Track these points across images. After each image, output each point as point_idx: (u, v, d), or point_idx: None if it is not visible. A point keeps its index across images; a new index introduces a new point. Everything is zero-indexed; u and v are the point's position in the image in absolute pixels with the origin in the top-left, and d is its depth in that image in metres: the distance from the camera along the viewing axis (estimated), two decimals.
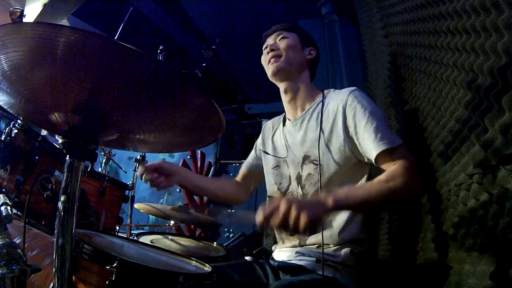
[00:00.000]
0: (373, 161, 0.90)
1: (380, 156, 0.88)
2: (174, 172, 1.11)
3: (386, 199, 0.81)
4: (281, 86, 1.15)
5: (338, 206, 0.74)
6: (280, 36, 1.14)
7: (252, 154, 1.34)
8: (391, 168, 0.85)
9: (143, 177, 1.08)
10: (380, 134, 0.89)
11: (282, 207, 0.65)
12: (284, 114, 1.23)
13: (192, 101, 0.55)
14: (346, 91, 1.03)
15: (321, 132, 1.01)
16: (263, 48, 1.18)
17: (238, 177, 1.36)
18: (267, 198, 1.48)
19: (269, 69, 1.12)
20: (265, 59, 1.15)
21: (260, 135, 1.31)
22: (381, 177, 0.83)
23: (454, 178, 0.71)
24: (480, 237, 0.58)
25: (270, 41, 1.16)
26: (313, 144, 1.02)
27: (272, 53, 1.10)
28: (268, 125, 1.31)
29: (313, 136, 1.03)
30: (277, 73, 1.10)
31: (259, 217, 0.67)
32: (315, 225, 0.68)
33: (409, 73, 1.14)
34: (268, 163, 1.20)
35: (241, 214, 0.84)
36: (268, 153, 1.20)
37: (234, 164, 3.33)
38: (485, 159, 0.57)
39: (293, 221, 0.65)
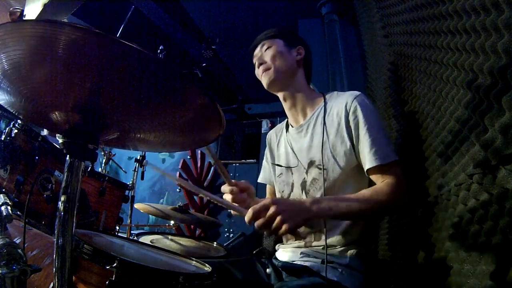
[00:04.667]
0: (365, 172, 0.94)
1: (370, 170, 0.92)
2: (251, 195, 1.05)
3: (367, 213, 0.89)
4: (280, 95, 1.15)
5: (320, 216, 0.85)
6: (265, 47, 1.13)
7: (265, 167, 1.29)
8: (377, 185, 0.91)
9: (231, 196, 0.98)
10: (375, 148, 0.91)
11: (270, 211, 0.76)
12: (286, 120, 1.23)
13: (193, 101, 0.55)
14: (349, 95, 1.02)
15: (325, 137, 1.01)
16: (254, 63, 1.17)
17: (269, 194, 1.31)
18: None
19: (263, 82, 1.13)
20: (257, 72, 1.15)
21: (267, 147, 1.29)
22: (366, 192, 0.89)
23: (454, 178, 0.71)
24: (480, 237, 0.58)
25: (257, 53, 1.15)
26: (319, 149, 1.02)
27: (261, 67, 1.11)
28: (271, 136, 1.29)
29: (319, 142, 1.03)
30: (271, 85, 1.10)
31: (248, 214, 0.77)
32: (294, 231, 0.78)
33: (409, 73, 1.14)
34: (276, 172, 1.20)
35: (235, 207, 0.88)
36: (277, 164, 1.19)
37: (234, 164, 3.33)
38: (485, 159, 0.57)
39: (275, 225, 0.76)
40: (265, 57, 1.11)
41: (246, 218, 0.78)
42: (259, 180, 1.32)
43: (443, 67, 0.81)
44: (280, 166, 1.17)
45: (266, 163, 1.29)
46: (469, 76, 0.66)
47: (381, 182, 0.91)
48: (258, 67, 1.12)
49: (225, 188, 1.00)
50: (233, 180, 1.00)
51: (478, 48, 0.62)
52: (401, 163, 0.93)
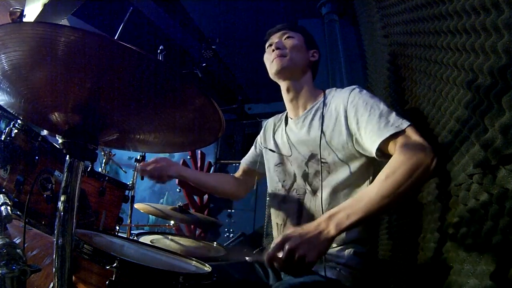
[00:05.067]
0: (376, 152, 0.85)
1: (385, 143, 0.84)
2: (172, 164, 1.17)
3: (393, 198, 0.74)
4: (283, 84, 1.14)
5: (342, 229, 0.72)
6: (286, 36, 1.13)
7: (252, 151, 1.36)
8: (390, 160, 0.80)
9: (141, 173, 1.14)
10: (384, 122, 0.85)
11: (285, 252, 0.67)
12: (285, 112, 1.23)
13: (192, 101, 0.55)
14: (347, 89, 1.03)
15: (323, 131, 1.01)
16: (267, 46, 1.17)
17: (238, 173, 1.39)
18: (267, 194, 1.45)
19: (272, 67, 1.10)
20: (268, 56, 1.13)
21: (261, 132, 1.32)
22: (381, 175, 0.78)
23: (454, 178, 0.71)
24: (480, 237, 0.58)
25: (275, 39, 1.14)
26: (317, 143, 1.02)
27: (278, 51, 1.09)
28: (269, 122, 1.31)
29: (316, 135, 1.03)
30: (281, 71, 1.09)
31: (266, 260, 0.70)
32: (320, 259, 0.71)
33: (409, 73, 1.14)
34: (270, 160, 1.20)
35: (244, 253, 0.86)
36: (272, 150, 1.19)
37: (234, 164, 3.33)
38: (485, 159, 0.57)
39: (296, 264, 0.67)
40: (284, 44, 1.11)
41: (266, 264, 0.71)
42: (242, 161, 1.39)
43: (443, 67, 0.81)
44: (271, 150, 1.19)
45: (253, 149, 1.35)
46: (469, 76, 0.66)
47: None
48: (273, 51, 1.10)
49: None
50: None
51: (478, 48, 0.62)
52: (415, 126, 0.84)
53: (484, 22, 0.59)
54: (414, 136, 0.82)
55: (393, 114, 0.88)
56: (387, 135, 0.83)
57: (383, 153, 0.86)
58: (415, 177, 0.74)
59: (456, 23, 0.71)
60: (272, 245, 0.72)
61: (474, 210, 0.61)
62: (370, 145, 0.88)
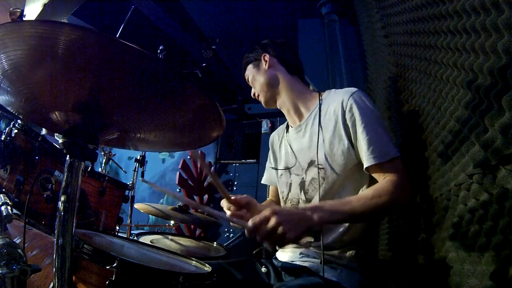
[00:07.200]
0: (365, 171, 0.93)
1: (369, 169, 0.91)
2: (254, 208, 1.04)
3: (370, 214, 0.87)
4: (277, 106, 1.23)
5: (322, 223, 0.81)
6: (247, 77, 1.24)
7: (268, 169, 1.31)
8: (379, 184, 0.89)
9: (230, 212, 0.99)
10: (372, 147, 0.90)
11: (271, 223, 0.74)
12: (286, 122, 1.25)
13: (193, 101, 0.55)
14: (346, 92, 1.02)
15: (322, 136, 1.01)
16: None
17: (271, 195, 1.31)
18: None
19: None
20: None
21: (270, 149, 1.31)
22: (368, 192, 0.87)
23: (454, 178, 0.71)
24: (480, 237, 0.58)
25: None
26: (317, 148, 1.02)
27: (252, 95, 1.24)
28: (274, 136, 1.31)
29: (317, 141, 1.03)
30: (267, 106, 1.22)
31: (248, 227, 0.75)
32: (296, 241, 0.77)
33: (409, 73, 1.14)
34: (278, 174, 1.21)
35: (235, 221, 0.86)
36: (277, 169, 1.21)
37: (234, 164, 3.33)
38: (485, 159, 0.57)
39: (278, 236, 0.74)
40: (251, 84, 1.23)
41: (247, 232, 0.76)
42: (262, 181, 1.33)
43: (443, 67, 0.81)
44: (278, 169, 1.19)
45: (268, 164, 1.31)
46: (469, 76, 0.66)
47: (382, 179, 0.89)
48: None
49: (223, 204, 1.00)
50: (232, 196, 0.99)
51: (478, 48, 0.62)
52: (401, 159, 0.91)
53: (484, 22, 0.59)
54: (398, 168, 0.89)
55: (383, 140, 0.92)
56: (372, 163, 0.89)
57: (367, 172, 0.94)
58: (393, 208, 0.88)
59: (456, 23, 0.71)
60: (259, 216, 0.75)
61: (474, 210, 0.61)
62: (363, 162, 0.94)
